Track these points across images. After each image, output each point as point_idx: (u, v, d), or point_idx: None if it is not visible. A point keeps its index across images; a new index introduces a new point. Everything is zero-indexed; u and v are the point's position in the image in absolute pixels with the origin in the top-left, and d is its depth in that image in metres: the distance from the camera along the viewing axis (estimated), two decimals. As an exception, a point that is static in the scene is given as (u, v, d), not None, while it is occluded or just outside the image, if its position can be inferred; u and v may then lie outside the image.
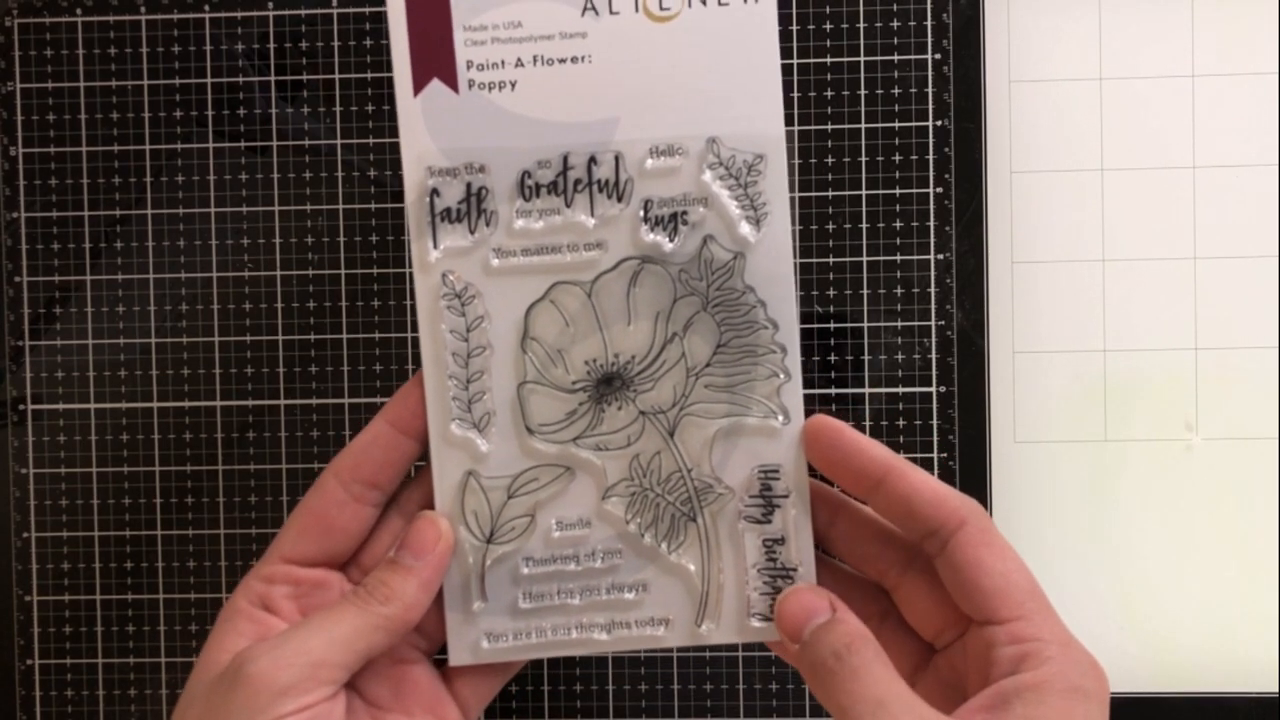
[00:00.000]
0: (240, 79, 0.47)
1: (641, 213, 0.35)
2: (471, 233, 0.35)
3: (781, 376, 0.35)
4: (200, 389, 0.47)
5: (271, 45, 0.47)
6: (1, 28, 0.48)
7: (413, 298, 0.36)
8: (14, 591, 0.48)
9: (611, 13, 0.34)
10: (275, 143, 0.47)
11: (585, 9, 0.34)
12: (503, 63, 0.34)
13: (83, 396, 0.48)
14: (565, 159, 0.35)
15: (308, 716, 0.30)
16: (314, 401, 0.47)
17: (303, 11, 0.47)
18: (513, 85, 0.34)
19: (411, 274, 0.36)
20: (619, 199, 0.35)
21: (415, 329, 0.47)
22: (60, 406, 0.48)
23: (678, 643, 0.36)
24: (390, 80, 0.47)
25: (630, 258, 0.35)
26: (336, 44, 0.47)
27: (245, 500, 0.47)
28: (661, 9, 0.34)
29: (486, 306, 0.35)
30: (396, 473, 0.35)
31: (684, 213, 0.35)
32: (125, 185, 0.47)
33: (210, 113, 0.47)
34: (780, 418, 0.35)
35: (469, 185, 0.35)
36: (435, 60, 0.34)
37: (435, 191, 0.35)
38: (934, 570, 0.33)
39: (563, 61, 0.34)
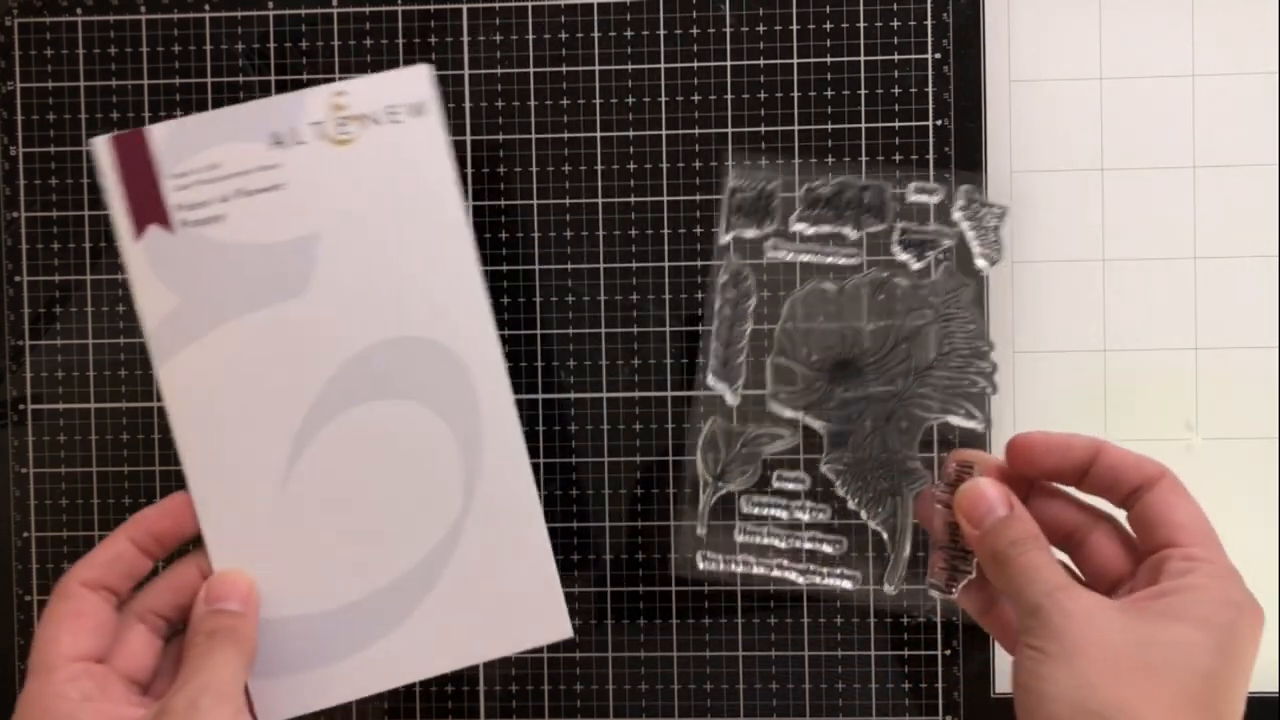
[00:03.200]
0: (240, 79, 0.47)
1: (897, 235, 0.43)
2: (758, 227, 0.43)
3: (991, 389, 0.42)
4: (200, 389, 0.47)
5: (271, 45, 0.47)
6: (1, 28, 0.48)
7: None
8: (14, 591, 0.48)
9: (299, 143, 0.38)
10: (275, 143, 0.47)
11: (274, 144, 0.38)
12: (208, 201, 0.38)
13: (83, 396, 0.48)
14: (842, 186, 0.44)
15: None
16: (314, 401, 0.47)
17: (303, 11, 0.47)
18: (221, 219, 0.38)
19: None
20: (881, 219, 0.43)
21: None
22: (60, 406, 0.48)
23: (859, 597, 0.45)
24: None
25: (879, 269, 0.43)
26: (336, 44, 0.47)
27: (245, 500, 0.47)
28: (341, 133, 0.38)
29: (755, 289, 0.43)
30: (134, 583, 0.39)
31: (931, 241, 0.43)
32: (125, 185, 0.47)
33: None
34: (983, 423, 0.42)
35: (761, 190, 0.43)
36: (149, 207, 0.38)
37: (734, 190, 0.43)
38: (1112, 529, 0.37)
39: (262, 191, 0.38)
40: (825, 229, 0.43)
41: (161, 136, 0.38)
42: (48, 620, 0.37)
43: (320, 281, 0.38)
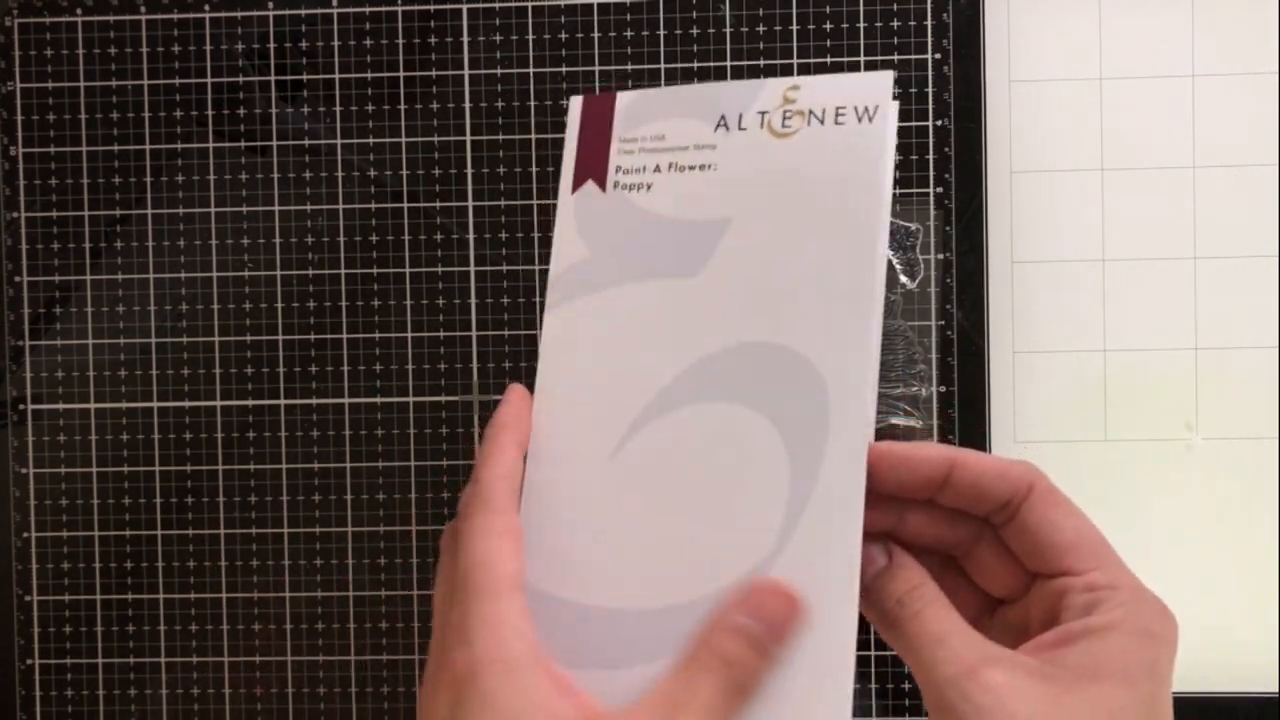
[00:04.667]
0: (240, 79, 0.47)
1: None
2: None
3: (925, 390, 0.46)
4: (200, 389, 0.47)
5: (271, 45, 0.47)
6: (1, 28, 0.48)
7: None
8: (14, 591, 0.48)
9: (740, 129, 0.38)
10: (275, 143, 0.47)
11: (718, 126, 0.38)
12: (644, 169, 0.38)
13: (83, 396, 0.48)
14: None
15: None
16: (314, 401, 0.47)
17: (303, 11, 0.47)
18: (648, 187, 0.38)
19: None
20: None
21: (415, 329, 0.47)
22: (60, 406, 0.48)
23: None
24: (389, 80, 0.47)
25: None
26: (336, 44, 0.47)
27: (245, 500, 0.47)
28: (783, 126, 0.37)
29: None
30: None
31: None
32: (125, 185, 0.47)
33: (210, 113, 0.47)
34: (922, 420, 0.46)
35: None
36: (592, 164, 0.39)
37: None
38: (997, 540, 0.33)
39: (692, 169, 0.38)
40: None
41: (625, 102, 0.39)
42: (489, 535, 0.31)
43: (715, 267, 0.37)
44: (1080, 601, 0.30)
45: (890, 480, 0.33)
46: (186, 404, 0.47)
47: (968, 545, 0.34)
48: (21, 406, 0.48)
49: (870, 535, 0.34)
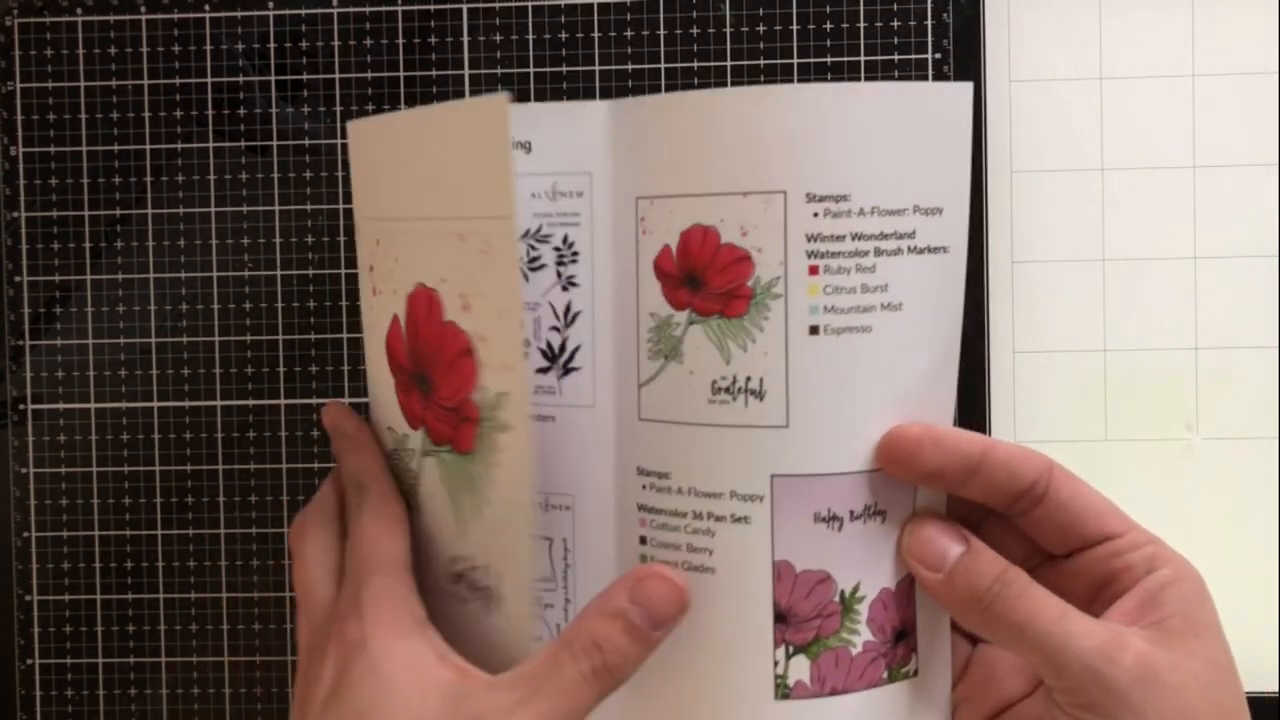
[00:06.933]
0: (240, 79, 0.47)
1: None
2: None
3: None
4: (200, 389, 0.47)
5: (271, 45, 0.47)
6: (1, 28, 0.48)
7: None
8: (14, 591, 0.48)
9: None
10: (275, 143, 0.47)
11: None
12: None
13: (83, 396, 0.48)
14: None
15: None
16: (314, 401, 0.47)
17: (303, 11, 0.47)
18: None
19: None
20: None
21: (415, 329, 0.47)
22: (60, 406, 0.48)
23: None
24: (389, 80, 0.47)
25: None
26: (336, 44, 0.47)
27: (245, 500, 0.47)
28: None
29: None
30: None
31: None
32: (125, 185, 0.47)
33: (210, 113, 0.47)
34: None
35: None
36: None
37: None
38: (999, 519, 0.34)
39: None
40: None
41: None
42: (378, 520, 0.32)
43: None
44: (1139, 558, 0.32)
45: (933, 460, 0.33)
46: (186, 404, 0.47)
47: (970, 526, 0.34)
48: (21, 406, 0.48)
49: (943, 521, 0.33)
